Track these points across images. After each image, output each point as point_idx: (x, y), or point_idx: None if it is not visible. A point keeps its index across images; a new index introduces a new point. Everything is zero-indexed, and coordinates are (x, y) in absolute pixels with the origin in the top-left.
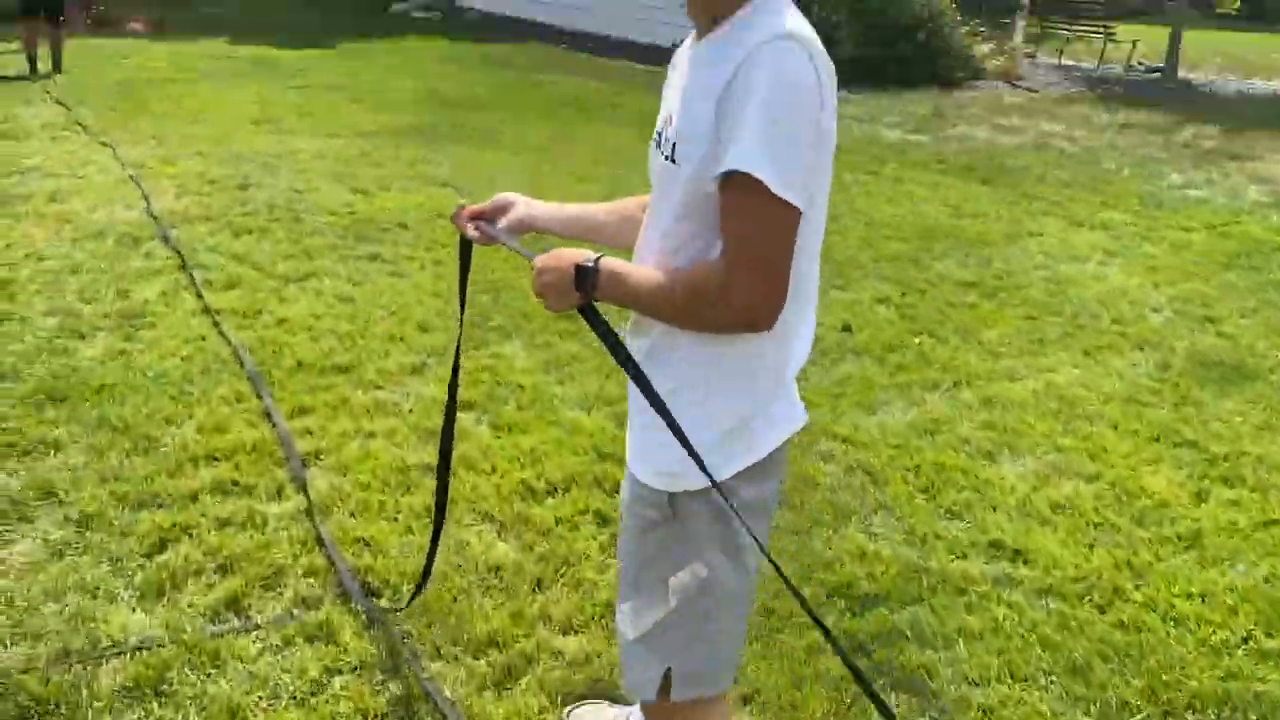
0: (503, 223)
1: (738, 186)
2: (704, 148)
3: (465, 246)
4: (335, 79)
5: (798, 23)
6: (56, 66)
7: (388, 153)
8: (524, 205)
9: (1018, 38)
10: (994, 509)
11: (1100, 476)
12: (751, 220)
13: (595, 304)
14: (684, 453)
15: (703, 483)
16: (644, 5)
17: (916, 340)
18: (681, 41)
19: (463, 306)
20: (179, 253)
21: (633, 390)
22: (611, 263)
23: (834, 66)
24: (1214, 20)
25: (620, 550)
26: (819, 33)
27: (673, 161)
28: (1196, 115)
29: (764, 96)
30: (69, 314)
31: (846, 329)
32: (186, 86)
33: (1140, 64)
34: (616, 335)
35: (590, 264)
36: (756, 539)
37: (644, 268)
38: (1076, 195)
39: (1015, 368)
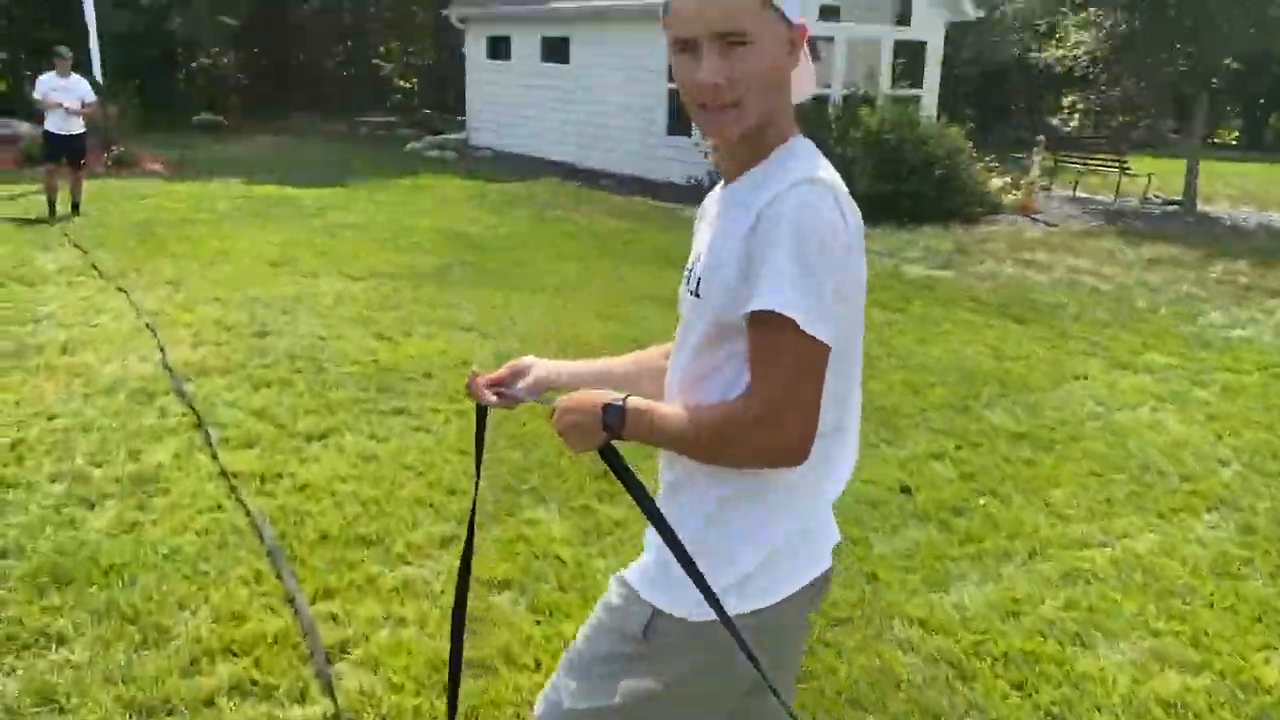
0: (521, 385)
1: (767, 324)
2: (729, 283)
3: (481, 413)
4: (354, 218)
5: (824, 168)
6: (75, 208)
7: (408, 295)
8: (542, 366)
9: (1034, 172)
10: (1099, 709)
11: (1207, 666)
12: (781, 357)
13: (616, 445)
14: (699, 595)
15: (703, 615)
16: (655, 143)
17: (981, 501)
18: (695, 180)
19: (478, 475)
20: (194, 409)
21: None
22: (638, 400)
23: (858, 208)
24: (1214, 151)
25: (579, 633)
26: (835, 169)
27: (697, 295)
28: (1224, 250)
29: (791, 237)
30: (78, 478)
31: (906, 490)
32: (205, 227)
33: (1156, 197)
34: (637, 480)
35: (618, 402)
36: (762, 672)
37: (671, 405)
38: (1116, 335)
39: (1089, 533)
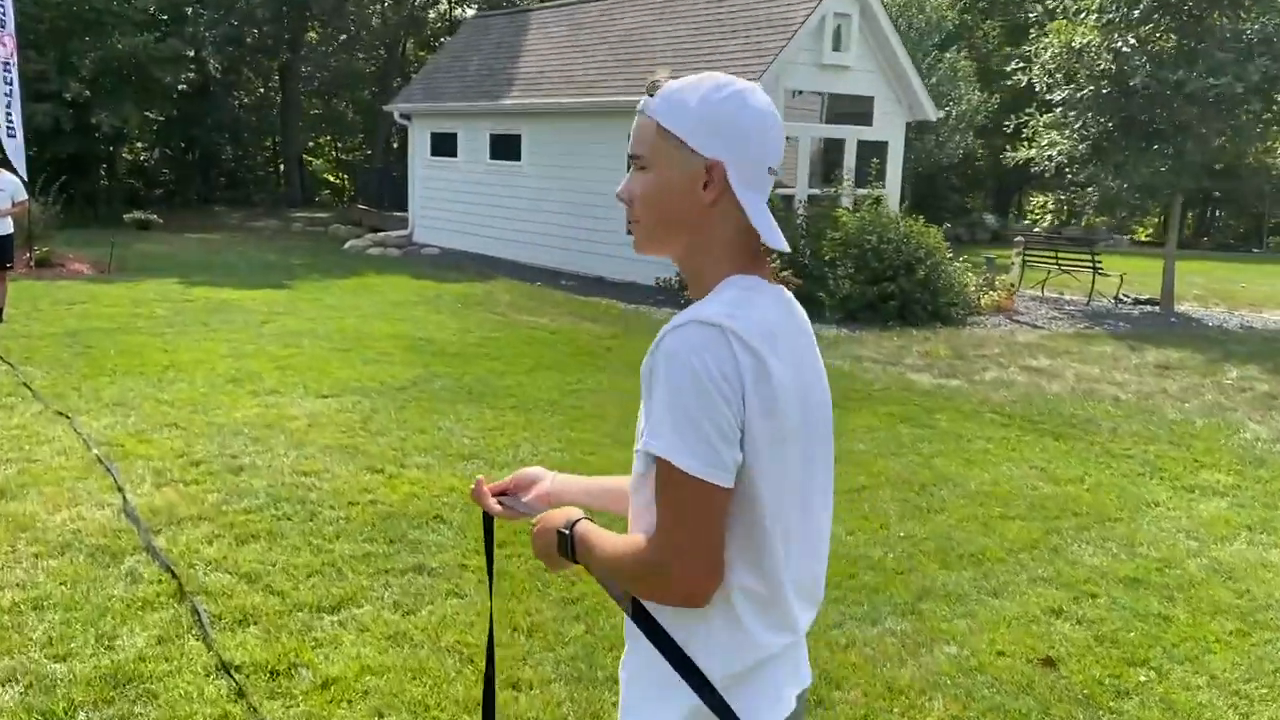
0: (528, 497)
1: (658, 467)
2: (644, 422)
3: (488, 522)
4: (306, 324)
5: (727, 303)
6: None
7: (390, 415)
8: (549, 480)
9: (1013, 273)
10: None
11: None
12: (671, 499)
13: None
14: None
15: None
16: (617, 242)
17: (1140, 678)
18: (665, 281)
19: (491, 583)
20: (172, 572)
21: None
22: (585, 530)
23: (775, 333)
24: (1142, 249)
25: None
26: (814, 274)
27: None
28: (1226, 354)
29: (664, 378)
30: (37, 681)
31: (1049, 663)
32: (147, 337)
33: (1126, 296)
34: (626, 596)
35: (566, 531)
36: None
37: (613, 536)
38: (1164, 452)
39: None
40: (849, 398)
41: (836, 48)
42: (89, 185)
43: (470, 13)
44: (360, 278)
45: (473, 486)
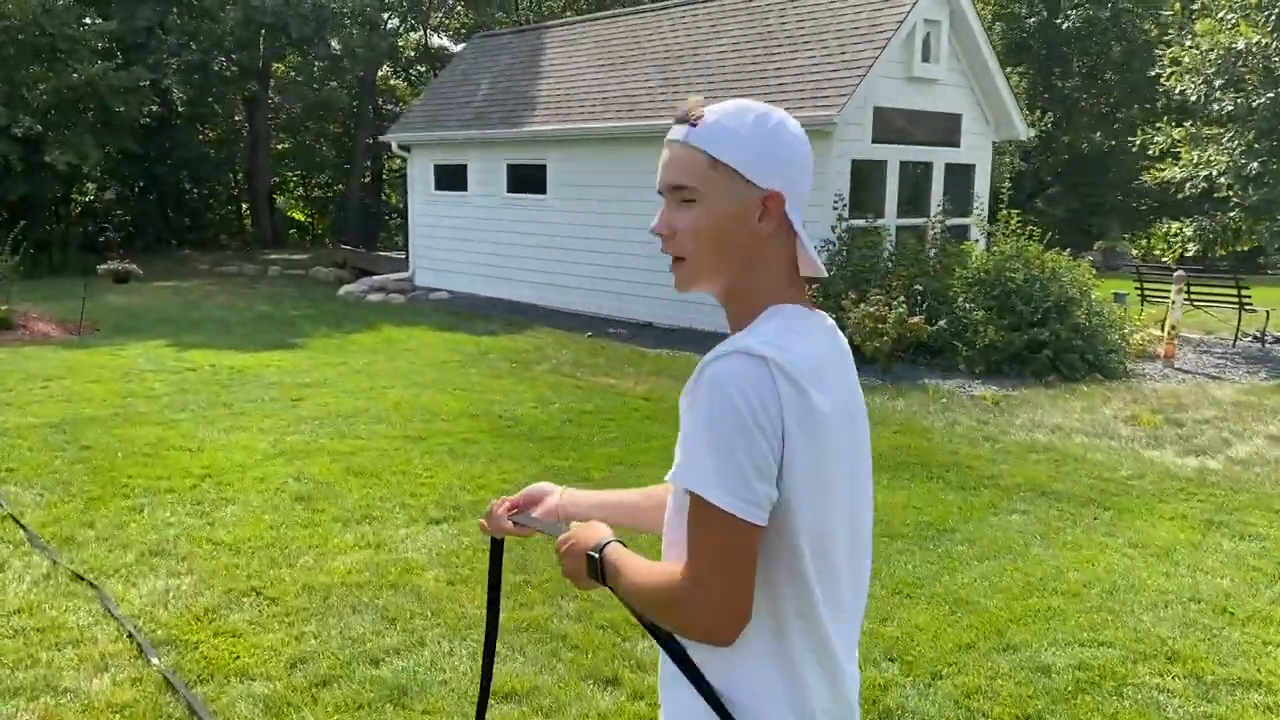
0: (537, 512)
1: (691, 500)
2: (679, 452)
3: (496, 547)
4: (349, 400)
5: (772, 333)
6: None
7: (536, 552)
8: (558, 495)
9: (1175, 314)
10: None
11: None
12: (702, 534)
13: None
14: None
15: None
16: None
17: None
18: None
19: (495, 613)
20: None
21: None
22: (616, 553)
23: (821, 365)
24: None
25: None
26: (956, 325)
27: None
28: None
29: (705, 410)
30: None
31: None
32: (157, 428)
33: (1260, 333)
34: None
35: (595, 555)
36: None
37: (644, 564)
38: None
39: None
40: (1106, 492)
41: (925, 58)
42: (40, 230)
43: (444, 41)
44: (376, 331)
45: (487, 510)
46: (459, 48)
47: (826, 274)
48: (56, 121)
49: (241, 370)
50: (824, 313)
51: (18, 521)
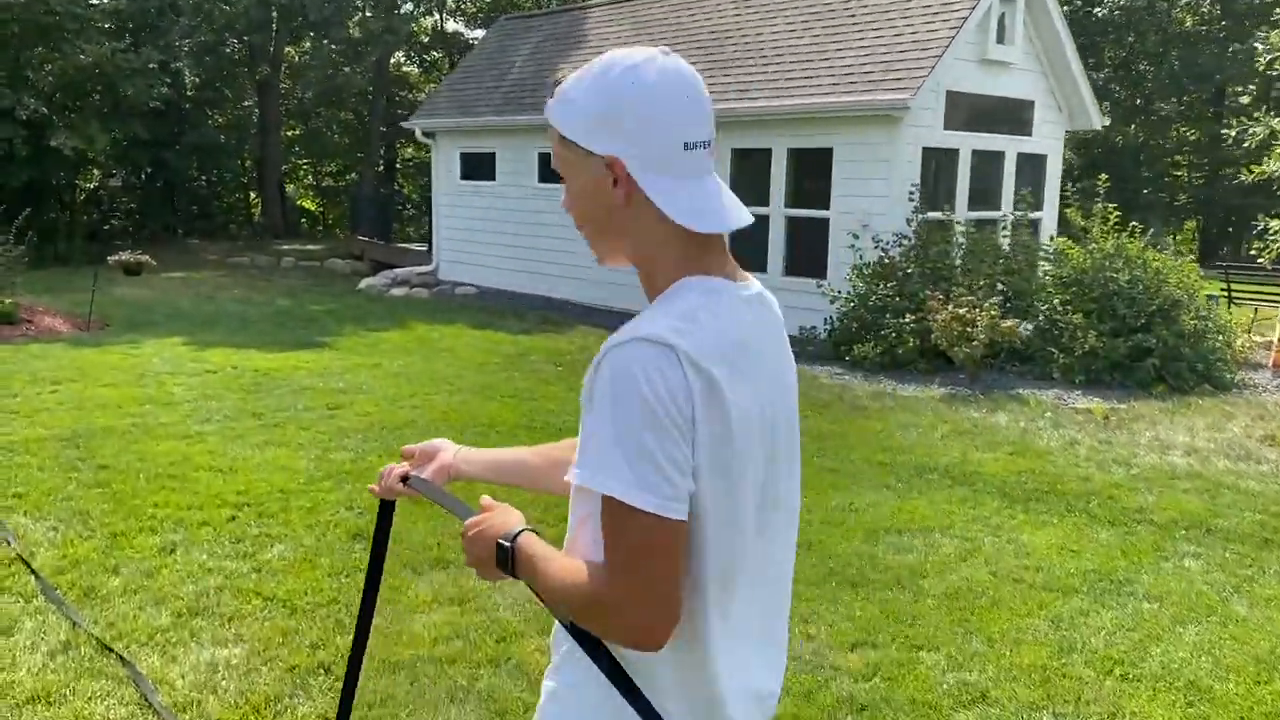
0: (428, 471)
1: (606, 504)
2: (581, 453)
3: (385, 511)
4: (391, 409)
5: (677, 316)
6: None
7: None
8: (451, 452)
9: None
10: None
11: None
12: (622, 539)
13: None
14: None
15: None
16: None
17: None
18: (810, 331)
19: (374, 589)
20: None
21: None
22: (530, 546)
23: (739, 347)
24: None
25: None
26: (1050, 331)
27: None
28: None
29: (611, 403)
30: None
31: None
32: (180, 443)
33: None
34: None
35: (507, 543)
36: None
37: (560, 559)
38: None
39: None
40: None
41: (1000, 39)
42: (45, 219)
43: (459, 26)
44: (407, 329)
45: (383, 470)
46: (475, 33)
47: (729, 226)
48: (62, 104)
49: (268, 373)
50: (749, 277)
51: (29, 566)
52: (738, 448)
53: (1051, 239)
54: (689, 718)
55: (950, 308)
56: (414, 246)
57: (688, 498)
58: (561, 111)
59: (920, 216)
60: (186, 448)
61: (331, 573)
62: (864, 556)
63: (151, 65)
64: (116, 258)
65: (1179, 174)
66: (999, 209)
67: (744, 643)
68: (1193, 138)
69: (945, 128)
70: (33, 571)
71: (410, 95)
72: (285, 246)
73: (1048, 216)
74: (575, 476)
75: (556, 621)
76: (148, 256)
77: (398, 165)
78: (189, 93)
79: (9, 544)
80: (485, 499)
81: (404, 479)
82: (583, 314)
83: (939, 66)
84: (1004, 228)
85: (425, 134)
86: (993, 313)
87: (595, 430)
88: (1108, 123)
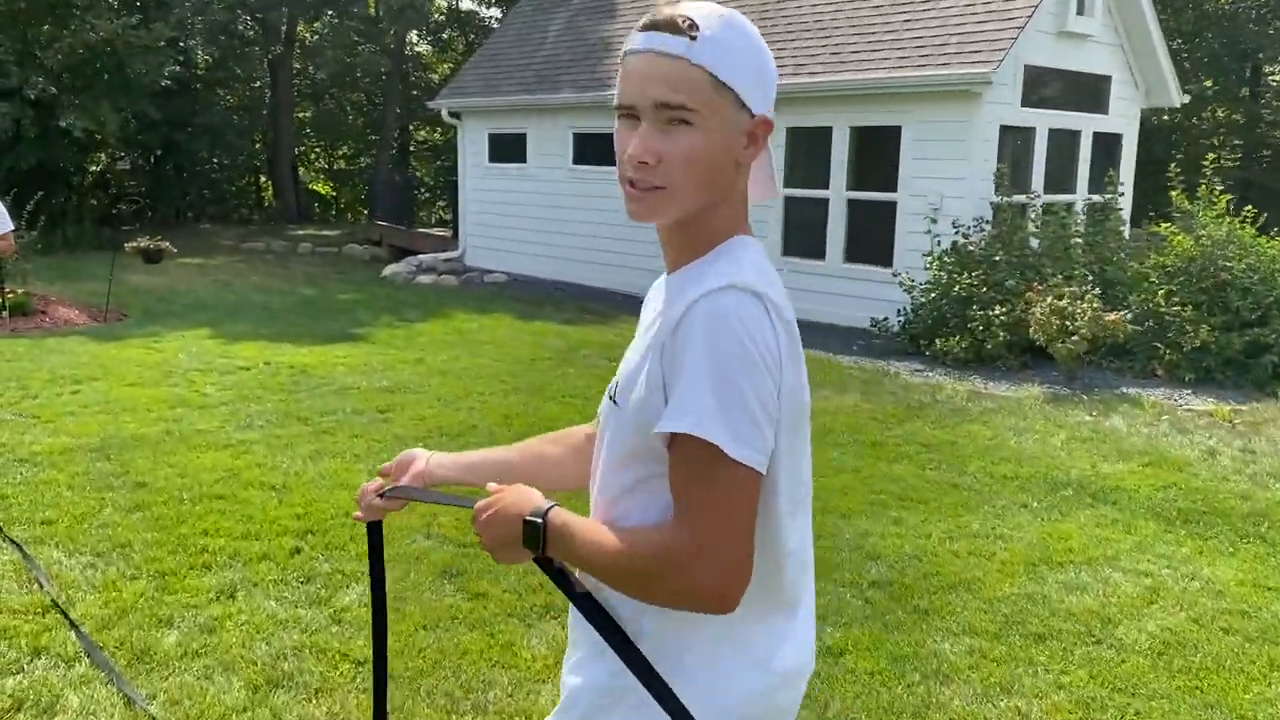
0: (404, 480)
1: (688, 449)
2: (642, 392)
3: (374, 534)
4: (446, 411)
5: (755, 268)
6: None
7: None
8: (424, 459)
9: None
10: None
11: None
12: (706, 487)
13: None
14: None
15: None
16: (796, 270)
17: None
18: (881, 324)
19: (383, 613)
20: None
21: (578, 641)
22: (561, 517)
23: (792, 315)
24: None
25: None
26: (1162, 325)
27: (614, 401)
28: None
29: (705, 348)
30: None
31: None
32: (223, 455)
33: None
34: (581, 587)
35: (538, 519)
36: None
37: (599, 526)
38: None
39: None
40: None
41: (1080, 10)
42: (54, 203)
43: (471, 5)
44: (443, 319)
45: (357, 496)
46: (489, 12)
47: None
48: (71, 84)
49: (305, 370)
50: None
51: (66, 617)
52: (805, 400)
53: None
54: (748, 701)
55: (1050, 299)
56: (435, 232)
57: (770, 452)
58: (723, 56)
59: (1006, 199)
60: (231, 460)
61: (427, 624)
62: (1035, 599)
63: (162, 43)
64: (135, 244)
65: (1212, 156)
66: (1073, 192)
67: (797, 612)
68: (1230, 119)
69: (1022, 104)
70: (73, 625)
71: (424, 76)
72: (300, 232)
73: (1122, 198)
74: (675, 425)
75: (575, 612)
76: (168, 243)
77: (411, 149)
78: (200, 72)
79: (42, 587)
80: (492, 485)
81: (380, 494)
82: (623, 303)
83: (1021, 38)
84: (1079, 212)
85: (451, 114)
86: (1095, 305)
87: (690, 378)
88: (1186, 100)
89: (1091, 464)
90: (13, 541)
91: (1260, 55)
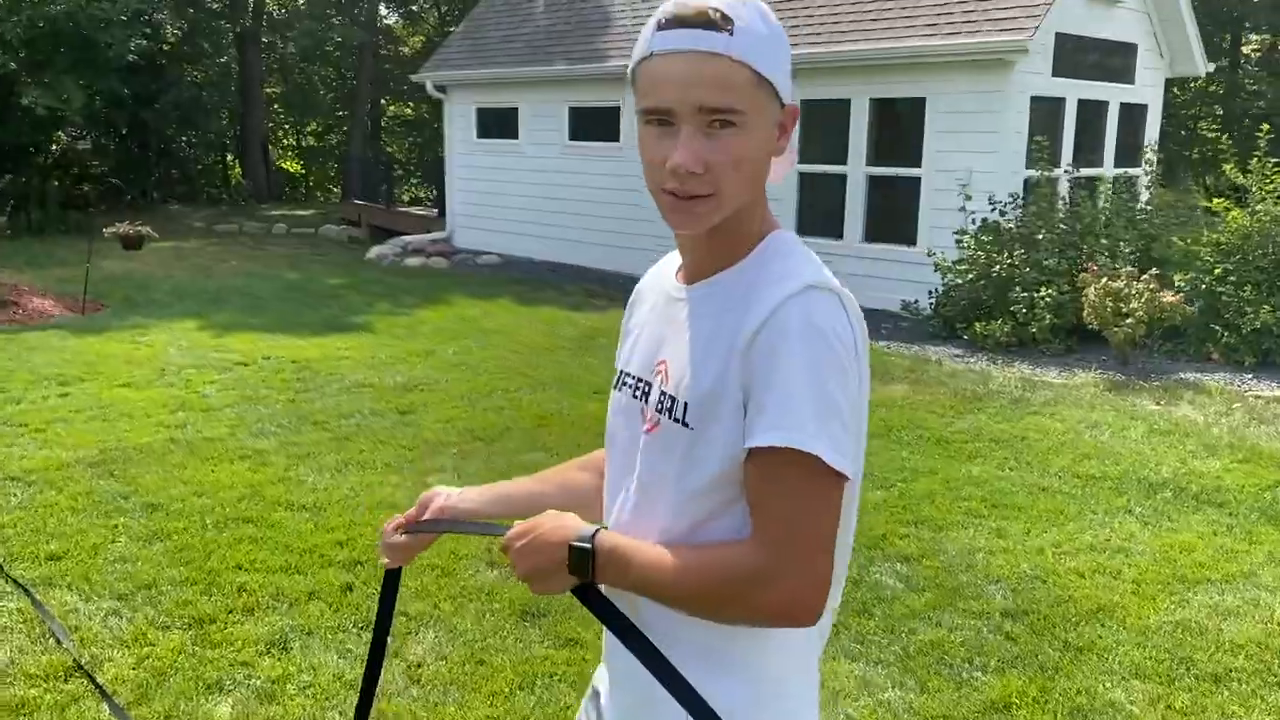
0: (427, 515)
1: (784, 461)
2: (728, 409)
3: (391, 579)
4: (476, 410)
5: (816, 263)
6: None
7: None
8: (444, 496)
9: None
10: None
11: None
12: (801, 499)
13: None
14: None
15: None
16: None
17: None
18: (911, 305)
19: (383, 649)
20: None
21: (624, 682)
22: (610, 539)
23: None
24: None
25: None
26: (1218, 305)
27: (685, 425)
28: None
29: (803, 356)
30: None
31: None
32: (236, 467)
33: None
34: (626, 620)
35: (586, 544)
36: None
37: (652, 546)
38: None
39: None
40: None
41: None
42: (19, 183)
43: None
44: (445, 305)
45: (381, 533)
46: None
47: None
48: (32, 59)
49: (308, 365)
50: None
51: (96, 684)
52: (866, 397)
53: (1221, 204)
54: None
55: (1104, 280)
56: (418, 211)
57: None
58: (758, 49)
59: (1045, 174)
60: (250, 474)
61: (522, 683)
62: (1190, 629)
63: (125, 16)
64: (113, 229)
65: (1266, 127)
66: (1100, 165)
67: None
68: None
69: (1053, 74)
70: (105, 696)
71: (395, 49)
72: (274, 212)
73: (1145, 171)
74: (776, 438)
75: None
76: (148, 228)
77: (383, 124)
78: (167, 47)
79: (60, 643)
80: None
81: (405, 532)
82: (626, 286)
83: (1056, 3)
84: (1107, 186)
85: (437, 87)
86: (1151, 285)
87: (785, 387)
88: (1211, 69)
89: (1181, 460)
90: (19, 585)
91: (1246, 24)
